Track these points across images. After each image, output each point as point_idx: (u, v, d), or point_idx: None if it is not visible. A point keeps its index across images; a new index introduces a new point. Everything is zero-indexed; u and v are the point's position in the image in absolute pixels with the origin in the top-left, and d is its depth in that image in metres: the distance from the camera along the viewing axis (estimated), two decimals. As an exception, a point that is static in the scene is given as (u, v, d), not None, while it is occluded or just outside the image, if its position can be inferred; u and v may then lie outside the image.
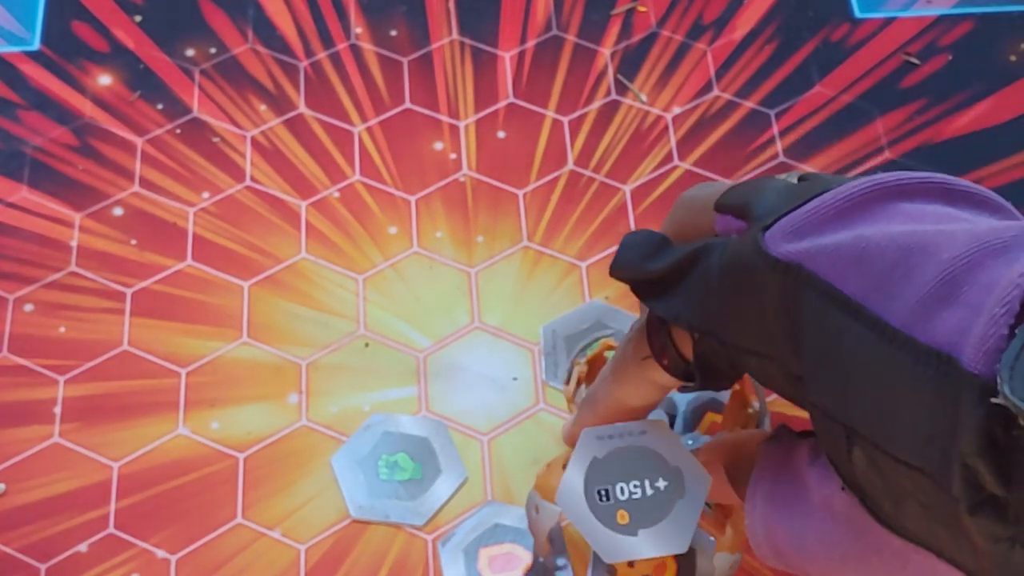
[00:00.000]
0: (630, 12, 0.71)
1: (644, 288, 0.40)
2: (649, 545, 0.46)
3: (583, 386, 0.53)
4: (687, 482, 0.47)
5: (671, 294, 0.39)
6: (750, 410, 0.53)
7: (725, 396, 0.54)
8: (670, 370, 0.41)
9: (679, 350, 0.40)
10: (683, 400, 0.56)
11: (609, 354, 0.55)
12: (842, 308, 0.33)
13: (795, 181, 0.37)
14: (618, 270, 0.41)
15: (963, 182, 0.35)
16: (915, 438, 0.31)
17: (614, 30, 0.71)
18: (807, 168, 0.65)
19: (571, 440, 0.47)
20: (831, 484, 0.37)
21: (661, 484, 0.47)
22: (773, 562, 0.42)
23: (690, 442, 0.53)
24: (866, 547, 0.37)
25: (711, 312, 0.37)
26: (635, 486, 0.47)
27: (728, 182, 0.39)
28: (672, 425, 0.53)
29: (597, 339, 0.54)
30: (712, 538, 0.51)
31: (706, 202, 0.39)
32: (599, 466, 0.47)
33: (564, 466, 0.48)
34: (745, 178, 0.65)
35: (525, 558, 0.54)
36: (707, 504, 0.49)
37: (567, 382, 0.54)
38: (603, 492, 0.47)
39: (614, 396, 0.44)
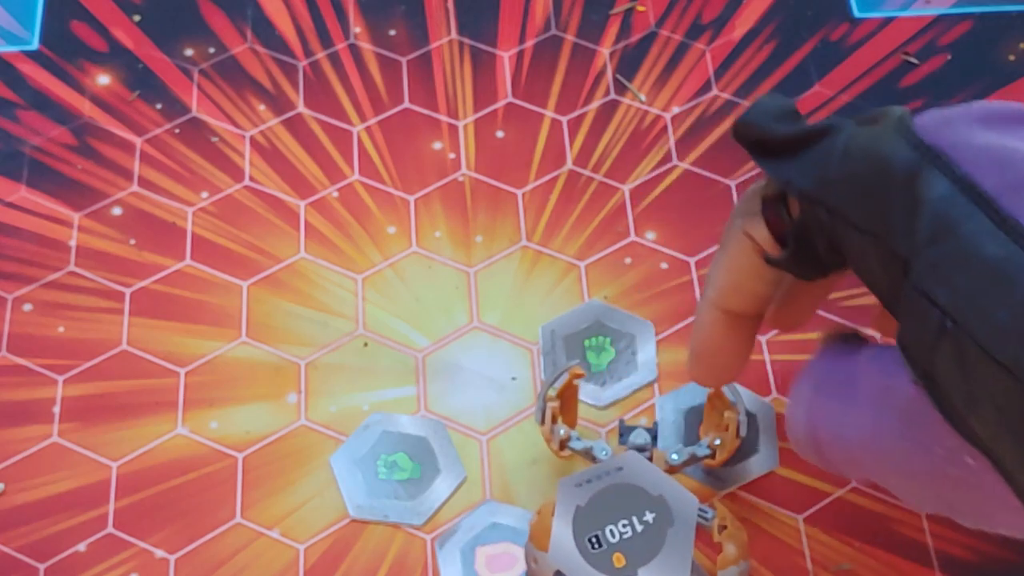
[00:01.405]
0: (629, 12, 0.71)
1: (763, 149, 0.39)
2: None
3: (558, 422, 0.53)
4: (674, 508, 0.46)
5: (790, 160, 0.38)
6: (726, 414, 0.53)
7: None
8: (771, 226, 0.40)
9: (788, 213, 0.40)
10: (668, 411, 0.56)
11: (578, 382, 0.54)
12: (973, 199, 0.33)
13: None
14: (743, 126, 0.40)
15: None
16: (1015, 337, 0.31)
17: (613, 30, 0.71)
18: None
19: (697, 363, 0.45)
20: (894, 376, 0.36)
21: (649, 517, 0.46)
22: (808, 453, 0.41)
23: (674, 456, 0.52)
24: (916, 443, 0.36)
25: (828, 182, 0.37)
26: (624, 525, 0.46)
27: None
28: (655, 440, 0.53)
29: (563, 372, 0.53)
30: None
31: None
32: (584, 513, 0.46)
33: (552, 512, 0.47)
34: (748, 177, 0.65)
35: (523, 557, 0.54)
36: (704, 514, 0.49)
37: (542, 422, 0.53)
38: (594, 539, 0.46)
39: (725, 276, 0.42)
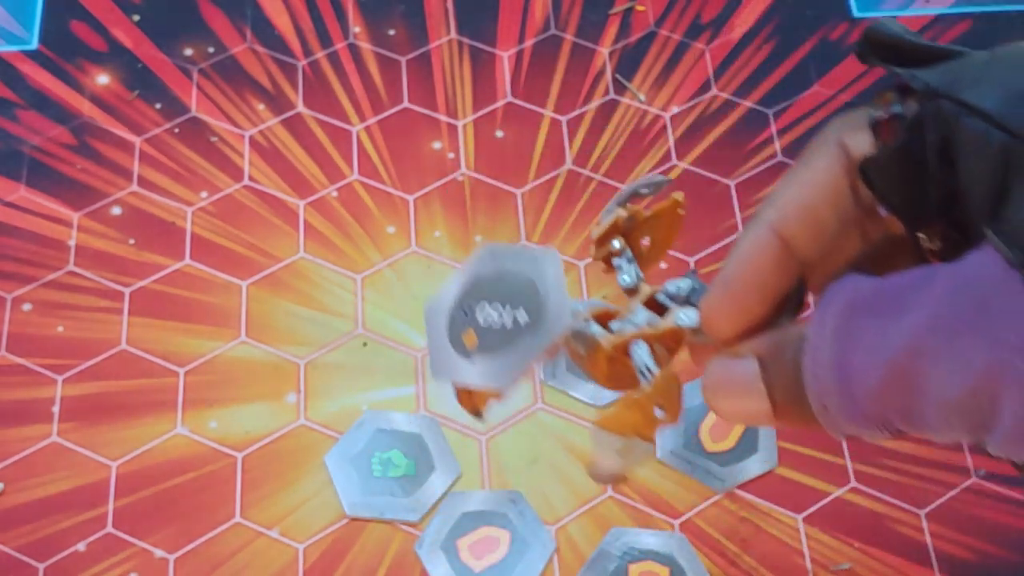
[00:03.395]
0: (628, 11, 0.71)
1: (892, 55, 0.36)
2: (476, 374, 0.42)
3: (616, 239, 0.46)
4: (544, 324, 0.43)
5: (923, 71, 0.36)
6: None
7: None
8: (882, 132, 0.35)
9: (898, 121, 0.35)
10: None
11: (681, 213, 0.47)
12: None
13: None
14: (878, 30, 0.37)
15: None
16: None
17: (612, 29, 0.71)
18: (805, 167, 0.65)
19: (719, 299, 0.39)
20: (975, 267, 0.32)
21: (522, 318, 0.44)
22: (827, 389, 0.35)
23: (638, 350, 0.46)
24: (985, 333, 0.32)
25: (963, 77, 0.34)
26: (496, 311, 0.44)
27: None
28: (689, 297, 0.46)
29: (656, 183, 0.46)
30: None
31: None
32: (481, 284, 0.43)
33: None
34: (747, 176, 0.65)
35: (502, 538, 0.54)
36: (648, 373, 0.44)
37: (598, 223, 0.47)
38: (467, 308, 0.44)
39: (793, 178, 0.37)
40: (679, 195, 0.43)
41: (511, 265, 0.43)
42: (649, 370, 0.42)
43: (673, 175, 0.65)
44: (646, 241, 0.45)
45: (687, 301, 0.43)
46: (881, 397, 0.34)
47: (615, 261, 0.46)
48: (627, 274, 0.45)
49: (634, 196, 0.45)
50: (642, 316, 0.44)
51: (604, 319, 0.44)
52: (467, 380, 0.41)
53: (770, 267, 0.37)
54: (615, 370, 0.43)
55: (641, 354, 0.44)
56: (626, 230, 0.45)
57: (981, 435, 0.33)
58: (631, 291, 0.44)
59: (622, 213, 0.44)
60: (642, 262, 0.46)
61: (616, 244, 0.45)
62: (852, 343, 0.34)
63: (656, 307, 0.44)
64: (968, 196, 0.34)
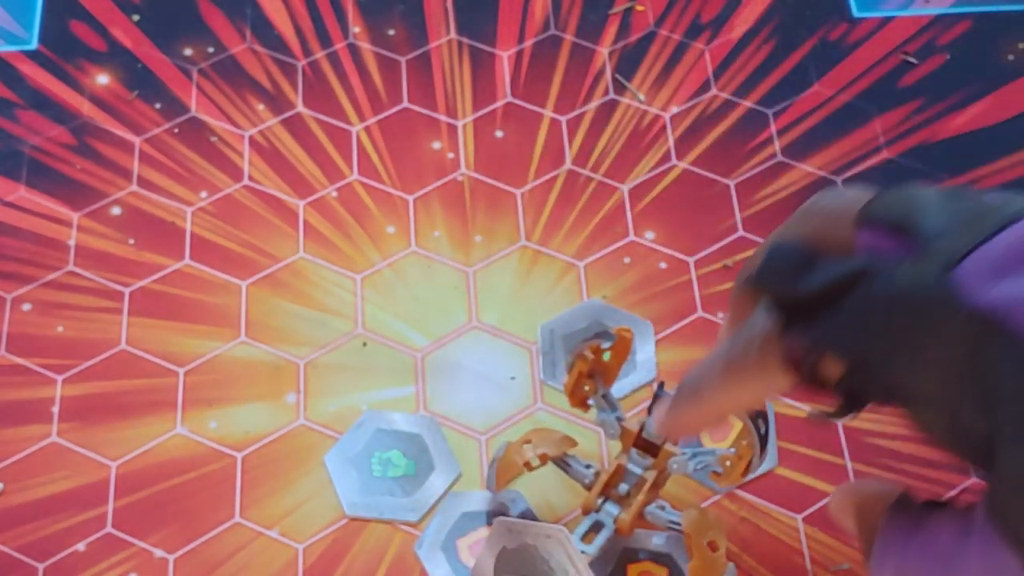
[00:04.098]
0: (628, 11, 0.71)
1: (788, 308, 0.35)
2: None
3: (586, 382, 0.53)
4: None
5: (822, 319, 0.34)
6: (743, 442, 0.51)
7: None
8: (807, 384, 0.36)
9: (820, 373, 0.35)
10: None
11: (606, 356, 0.54)
12: None
13: (932, 192, 0.33)
14: (763, 284, 0.36)
15: None
16: None
17: (612, 29, 0.71)
18: (805, 168, 0.65)
19: (664, 430, 0.48)
20: (994, 556, 0.33)
21: None
22: None
23: (586, 549, 0.52)
24: None
25: (871, 348, 0.33)
26: None
27: (860, 192, 0.35)
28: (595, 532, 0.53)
29: (597, 335, 0.53)
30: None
31: (845, 212, 0.35)
32: (507, 555, 0.51)
33: (522, 443, 0.52)
34: (746, 176, 0.65)
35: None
36: (676, 525, 0.50)
37: (569, 372, 0.53)
38: None
39: (724, 397, 0.39)
40: (627, 331, 0.50)
41: (527, 539, 0.50)
42: (675, 523, 0.49)
43: (673, 175, 0.65)
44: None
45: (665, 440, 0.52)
46: None
47: (591, 402, 0.53)
48: (609, 427, 0.51)
49: (588, 343, 0.52)
50: (637, 465, 0.52)
51: (608, 488, 0.50)
52: None
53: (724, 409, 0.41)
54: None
55: (659, 515, 0.51)
56: (591, 372, 0.52)
57: None
58: (615, 437, 0.52)
59: (583, 363, 0.51)
60: (607, 381, 0.53)
61: (586, 387, 0.52)
62: None
63: (642, 444, 0.50)
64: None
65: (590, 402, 0.53)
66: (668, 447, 0.51)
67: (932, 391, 0.32)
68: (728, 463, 0.51)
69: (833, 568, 0.54)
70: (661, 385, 0.51)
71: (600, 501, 0.51)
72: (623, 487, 0.51)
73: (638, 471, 0.51)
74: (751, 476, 0.52)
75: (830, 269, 0.34)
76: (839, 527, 0.44)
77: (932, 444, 0.35)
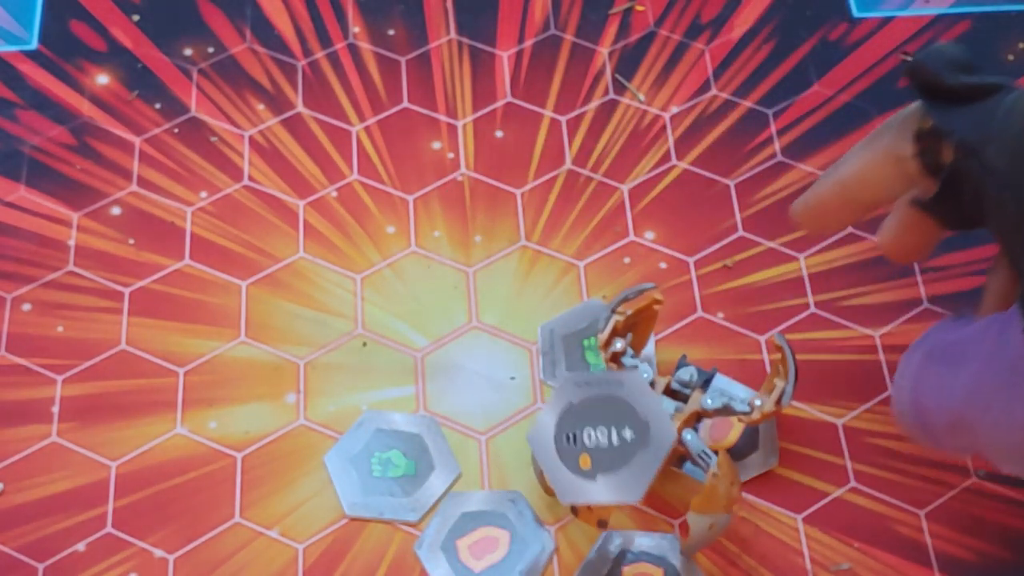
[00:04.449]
0: (628, 11, 0.71)
1: (932, 92, 0.42)
2: (605, 491, 0.48)
3: (618, 337, 0.53)
4: (652, 436, 0.48)
5: (956, 110, 0.41)
6: (776, 380, 0.53)
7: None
8: (924, 162, 0.42)
9: (938, 156, 0.42)
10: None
11: (657, 308, 0.55)
12: None
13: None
14: (919, 68, 0.42)
15: None
16: None
17: (612, 29, 0.71)
18: (805, 168, 0.65)
19: (799, 208, 0.50)
20: (1007, 332, 0.38)
21: (627, 435, 0.49)
22: (912, 425, 0.44)
23: (709, 401, 0.52)
24: (1021, 390, 0.38)
25: (989, 138, 0.39)
26: (602, 433, 0.49)
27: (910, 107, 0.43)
28: (705, 385, 0.53)
29: (639, 290, 0.53)
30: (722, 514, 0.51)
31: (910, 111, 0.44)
32: (573, 411, 0.49)
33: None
34: (746, 176, 0.65)
35: (502, 538, 0.54)
36: (707, 458, 0.50)
37: (601, 330, 0.53)
38: (571, 435, 0.49)
39: (859, 171, 0.46)
40: (657, 293, 0.51)
41: (597, 390, 0.49)
42: (707, 454, 0.49)
43: (673, 175, 0.65)
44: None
45: (698, 386, 0.52)
46: (950, 435, 0.41)
47: (624, 360, 0.53)
48: (644, 372, 0.51)
49: (624, 301, 0.52)
50: (670, 405, 0.51)
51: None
52: (599, 499, 0.47)
53: (840, 206, 0.48)
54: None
55: (695, 442, 0.51)
56: (622, 330, 0.53)
57: None
58: (651, 384, 0.53)
59: (619, 318, 0.52)
60: (636, 343, 0.54)
61: (619, 344, 0.52)
62: (925, 389, 0.41)
63: (671, 394, 0.51)
64: (998, 237, 0.41)
65: (624, 361, 0.53)
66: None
67: (1020, 186, 0.38)
68: (758, 401, 0.52)
69: (833, 568, 0.54)
70: (684, 357, 0.53)
71: None
72: None
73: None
74: (784, 404, 0.53)
75: (977, 76, 0.42)
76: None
77: (1006, 250, 0.41)
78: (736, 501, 0.51)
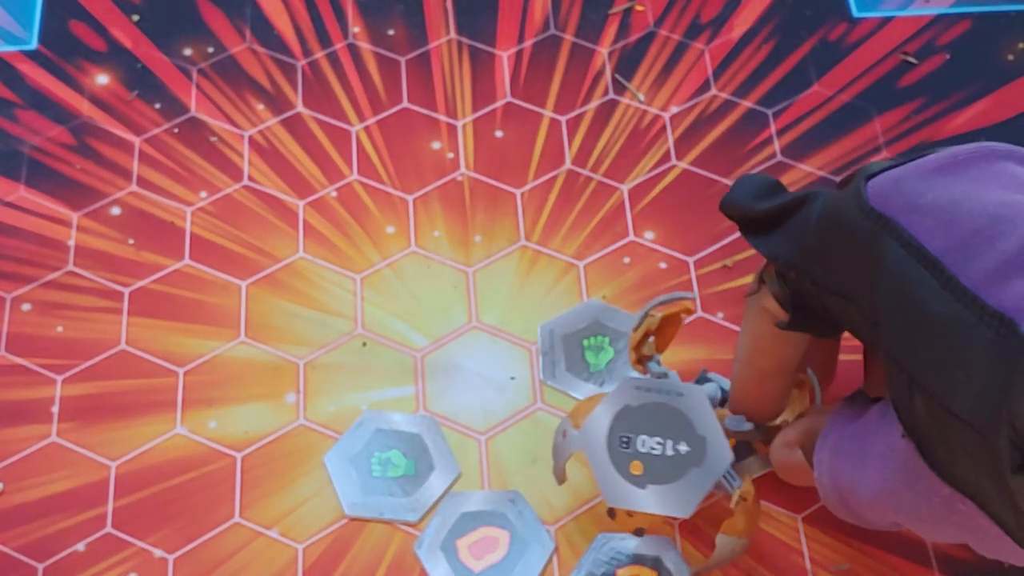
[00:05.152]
0: (628, 11, 0.71)
1: (749, 226, 0.43)
2: (653, 501, 0.47)
3: (651, 338, 0.53)
4: (708, 454, 0.48)
5: (773, 234, 0.42)
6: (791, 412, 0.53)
7: None
8: (776, 297, 0.43)
9: (786, 283, 0.43)
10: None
11: (685, 317, 0.55)
12: (921, 262, 0.35)
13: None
14: (728, 206, 0.43)
15: None
16: (968, 394, 0.33)
17: (612, 29, 0.71)
18: (805, 168, 0.65)
19: (740, 407, 0.50)
20: (894, 432, 0.39)
21: (683, 448, 0.48)
22: (838, 509, 0.44)
23: (731, 423, 0.51)
24: (917, 494, 0.38)
25: (807, 252, 0.40)
26: (657, 443, 0.48)
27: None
28: (723, 403, 0.53)
29: (678, 297, 0.53)
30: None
31: None
32: (629, 413, 0.49)
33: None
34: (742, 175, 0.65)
35: (502, 538, 0.54)
36: (731, 481, 0.49)
37: (635, 329, 0.53)
38: (625, 439, 0.48)
39: (749, 340, 0.47)
40: (690, 303, 0.51)
41: (656, 397, 0.48)
42: (732, 475, 0.49)
43: (673, 175, 0.65)
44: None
45: (721, 403, 0.52)
46: (874, 515, 0.42)
47: (651, 365, 0.53)
48: (708, 390, 0.52)
49: (659, 304, 0.53)
50: None
51: None
52: (648, 508, 0.47)
53: (759, 386, 0.48)
54: None
55: (732, 424, 0.51)
56: (650, 332, 0.53)
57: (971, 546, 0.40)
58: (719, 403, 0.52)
59: (656, 316, 0.51)
60: (659, 346, 0.53)
61: (645, 349, 0.52)
62: (842, 483, 0.42)
63: None
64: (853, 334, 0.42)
65: (651, 367, 0.53)
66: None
67: (849, 288, 0.39)
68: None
69: (833, 568, 0.54)
70: (704, 371, 0.54)
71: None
72: None
73: None
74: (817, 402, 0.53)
75: (784, 195, 0.42)
76: (793, 471, 0.48)
77: (867, 346, 0.43)
78: (758, 526, 0.51)
